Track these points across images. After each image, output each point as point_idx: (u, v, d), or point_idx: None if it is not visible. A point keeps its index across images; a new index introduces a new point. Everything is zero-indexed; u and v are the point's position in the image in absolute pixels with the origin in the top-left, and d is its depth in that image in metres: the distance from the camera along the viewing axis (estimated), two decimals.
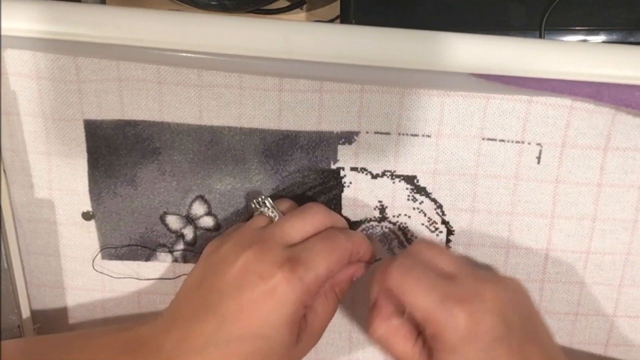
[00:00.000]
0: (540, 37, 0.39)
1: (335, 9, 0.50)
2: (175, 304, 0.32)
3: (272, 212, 0.34)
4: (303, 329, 0.32)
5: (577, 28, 0.39)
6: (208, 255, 0.33)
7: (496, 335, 0.28)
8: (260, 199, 0.34)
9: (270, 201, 0.34)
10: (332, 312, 0.34)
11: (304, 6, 0.51)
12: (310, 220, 0.33)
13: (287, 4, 0.51)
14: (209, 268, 0.32)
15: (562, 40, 0.38)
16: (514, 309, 0.30)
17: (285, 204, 0.35)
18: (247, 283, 0.30)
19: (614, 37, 0.39)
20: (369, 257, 0.35)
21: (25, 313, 0.37)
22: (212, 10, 0.46)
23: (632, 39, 0.39)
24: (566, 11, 0.39)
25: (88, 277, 0.38)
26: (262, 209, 0.34)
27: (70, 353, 0.32)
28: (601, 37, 0.39)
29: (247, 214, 0.36)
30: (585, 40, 0.39)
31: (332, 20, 0.51)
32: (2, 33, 0.30)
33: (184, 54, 0.30)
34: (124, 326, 0.33)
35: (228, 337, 0.29)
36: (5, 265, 0.36)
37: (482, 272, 0.31)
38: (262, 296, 0.29)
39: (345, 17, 0.42)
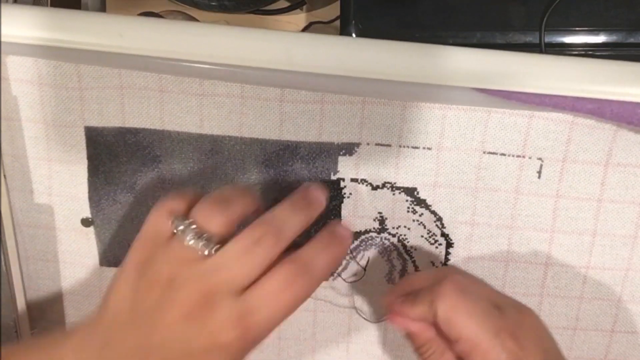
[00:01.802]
0: (540, 37, 0.39)
1: (335, 9, 0.50)
2: (106, 329, 0.27)
3: (200, 243, 0.27)
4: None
5: (577, 28, 0.39)
6: (136, 275, 0.28)
7: None
8: (180, 219, 0.28)
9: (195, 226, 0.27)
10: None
11: (304, 7, 0.51)
12: (263, 253, 0.27)
13: (287, 4, 0.50)
14: (143, 303, 0.27)
15: (564, 56, 0.37)
16: (548, 336, 0.31)
17: (218, 219, 0.28)
18: (194, 340, 0.26)
19: (614, 37, 0.39)
20: None
21: (23, 318, 0.37)
22: (212, 10, 0.46)
23: (632, 40, 0.39)
24: (566, 11, 0.39)
25: (86, 283, 0.37)
26: (186, 240, 0.27)
27: None
28: (601, 38, 0.39)
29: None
30: (584, 41, 0.39)
31: (332, 21, 0.50)
32: (4, 40, 0.30)
33: (186, 64, 0.30)
34: (47, 341, 0.29)
35: None
36: (4, 270, 0.36)
37: (514, 301, 0.32)
38: (209, 355, 0.26)
39: (345, 18, 0.41)
